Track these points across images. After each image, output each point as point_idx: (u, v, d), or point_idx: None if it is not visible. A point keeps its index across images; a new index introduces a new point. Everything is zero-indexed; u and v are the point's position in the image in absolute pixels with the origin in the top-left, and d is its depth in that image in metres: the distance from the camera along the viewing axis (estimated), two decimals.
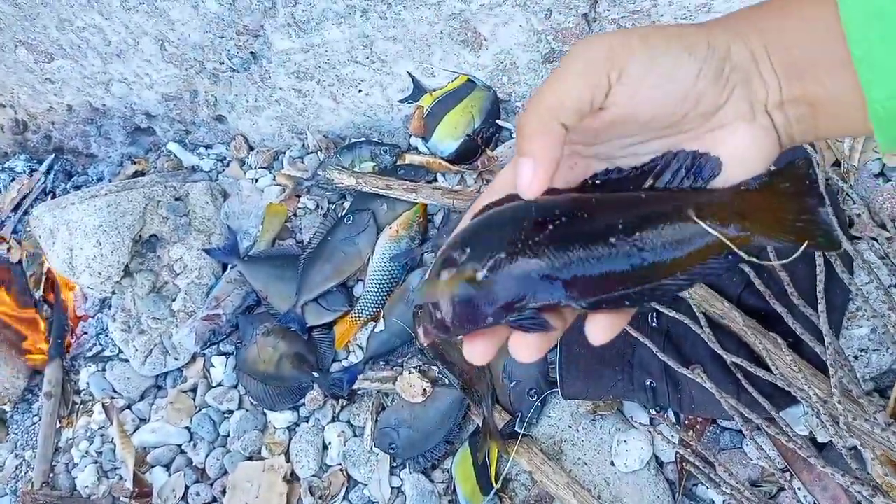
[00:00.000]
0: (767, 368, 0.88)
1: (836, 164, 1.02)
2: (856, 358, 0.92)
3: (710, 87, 0.36)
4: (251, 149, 1.48)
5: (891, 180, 1.00)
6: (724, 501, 0.91)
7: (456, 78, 1.24)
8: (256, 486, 1.16)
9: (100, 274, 1.27)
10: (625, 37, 0.36)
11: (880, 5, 0.34)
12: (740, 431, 0.92)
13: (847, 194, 0.98)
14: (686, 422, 0.98)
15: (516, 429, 1.00)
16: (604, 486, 0.97)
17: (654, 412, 0.98)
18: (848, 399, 0.81)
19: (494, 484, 0.98)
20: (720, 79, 0.36)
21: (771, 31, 0.37)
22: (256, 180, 1.44)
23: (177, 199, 1.36)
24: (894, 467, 0.81)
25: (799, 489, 0.87)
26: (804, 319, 0.87)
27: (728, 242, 0.36)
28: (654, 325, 0.97)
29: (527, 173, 0.36)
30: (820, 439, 0.89)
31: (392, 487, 1.09)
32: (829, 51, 0.35)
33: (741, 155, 0.38)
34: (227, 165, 1.49)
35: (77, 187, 1.55)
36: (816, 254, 0.88)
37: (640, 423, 0.98)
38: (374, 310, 1.21)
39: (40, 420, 1.33)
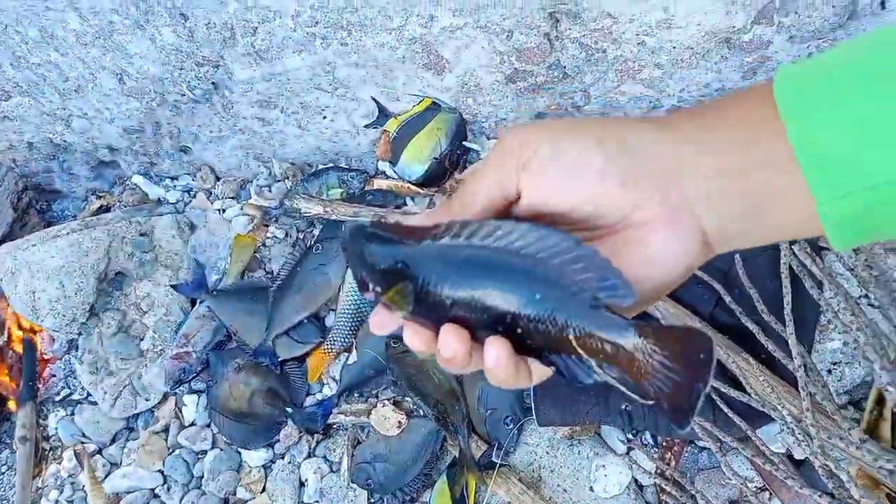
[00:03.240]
0: (742, 387, 0.86)
1: None
2: (829, 372, 0.91)
3: (620, 184, 0.35)
4: (217, 179, 1.46)
5: None
6: None
7: (420, 101, 1.22)
8: None
9: (64, 316, 1.24)
10: (539, 127, 0.36)
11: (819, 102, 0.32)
12: None
13: None
14: (664, 443, 0.96)
15: (493, 458, 0.98)
16: None
17: (631, 436, 0.96)
18: (822, 414, 0.80)
19: None
20: (633, 174, 0.35)
21: (706, 128, 0.36)
22: (224, 211, 1.41)
23: (142, 235, 1.33)
24: (871, 482, 0.80)
25: None
26: (776, 335, 0.86)
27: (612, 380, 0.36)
28: None
29: None
30: (797, 456, 0.87)
31: None
32: (772, 149, 0.33)
33: (661, 258, 0.36)
34: (194, 197, 1.47)
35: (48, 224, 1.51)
36: (783, 270, 0.87)
37: (617, 451, 0.96)
38: (347, 340, 1.19)
39: (9, 469, 1.29)
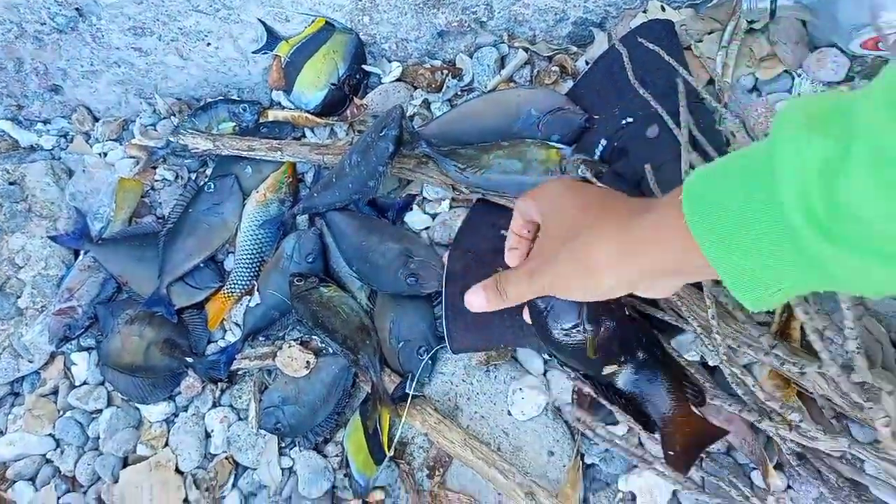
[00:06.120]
0: (655, 303, 0.84)
1: (710, 82, 1.00)
2: None
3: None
4: (96, 120, 1.33)
5: (763, 94, 0.98)
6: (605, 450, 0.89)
7: (313, 22, 1.13)
8: (148, 488, 1.05)
9: None
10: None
11: (719, 226, 0.42)
12: None
13: (722, 114, 0.95)
14: None
15: (407, 390, 0.93)
16: (503, 437, 0.92)
17: (546, 356, 0.94)
18: (732, 320, 0.78)
19: (387, 451, 0.92)
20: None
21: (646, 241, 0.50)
22: (105, 154, 1.30)
23: (11, 184, 1.21)
24: (783, 381, 0.80)
25: None
26: None
27: None
28: None
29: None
30: (711, 363, 0.86)
31: (282, 469, 1.01)
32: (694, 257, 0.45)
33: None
34: (71, 141, 1.34)
35: None
36: (683, 171, 0.84)
37: (534, 373, 0.93)
38: (248, 283, 1.11)
39: None
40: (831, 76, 0.94)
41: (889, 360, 0.71)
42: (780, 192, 0.37)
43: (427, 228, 1.05)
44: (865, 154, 0.32)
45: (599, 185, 0.88)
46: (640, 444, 0.86)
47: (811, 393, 0.75)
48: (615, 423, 0.88)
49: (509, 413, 0.93)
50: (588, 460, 0.89)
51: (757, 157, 0.40)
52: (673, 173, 0.85)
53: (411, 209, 1.07)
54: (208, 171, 1.22)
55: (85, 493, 1.09)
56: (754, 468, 0.82)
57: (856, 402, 0.67)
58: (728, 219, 0.40)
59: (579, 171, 0.92)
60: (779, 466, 0.80)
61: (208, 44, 1.17)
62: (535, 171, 0.94)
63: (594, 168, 0.92)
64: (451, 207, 1.05)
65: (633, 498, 0.86)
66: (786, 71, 0.97)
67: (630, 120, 0.96)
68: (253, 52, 1.18)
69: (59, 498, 1.09)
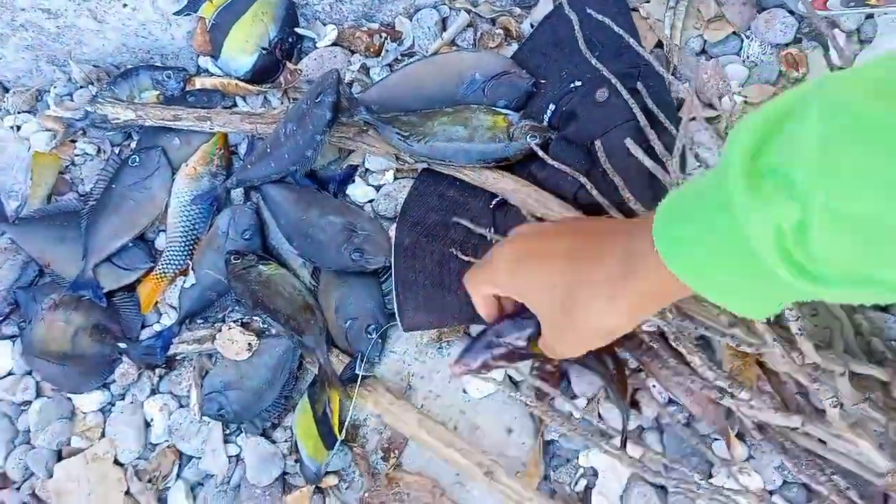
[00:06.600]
0: None
1: (659, 45, 0.97)
2: None
3: None
4: (6, 90, 1.23)
5: (712, 56, 0.96)
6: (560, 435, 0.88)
7: None
8: (86, 482, 1.00)
9: None
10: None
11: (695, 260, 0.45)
12: None
13: (672, 76, 0.92)
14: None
15: (356, 370, 0.90)
16: (459, 416, 0.90)
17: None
18: (692, 299, 0.77)
19: (338, 435, 0.89)
20: None
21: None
22: (19, 128, 1.20)
23: None
24: (741, 353, 0.79)
25: (654, 387, 0.84)
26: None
27: None
28: (493, 241, 0.89)
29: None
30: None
31: (229, 456, 0.97)
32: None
33: None
34: None
35: None
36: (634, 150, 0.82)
37: None
38: (182, 263, 1.05)
39: None
40: (780, 38, 0.92)
41: (849, 336, 0.71)
42: (756, 250, 0.39)
43: (371, 201, 1.01)
44: (820, 216, 0.35)
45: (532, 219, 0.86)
46: (600, 416, 0.86)
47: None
48: (575, 397, 0.87)
49: (465, 391, 0.91)
50: (547, 437, 0.88)
51: (719, 216, 0.41)
52: (622, 139, 0.82)
53: (353, 181, 1.02)
54: (133, 145, 1.14)
55: (18, 489, 1.04)
56: (717, 438, 0.82)
57: (805, 384, 0.67)
58: (708, 264, 0.44)
59: (527, 137, 0.89)
60: (740, 436, 0.81)
61: (124, 5, 1.08)
62: (481, 137, 0.91)
63: (542, 134, 0.89)
64: (395, 178, 1.00)
65: (595, 473, 0.85)
66: (734, 32, 0.95)
67: (578, 83, 0.93)
68: (174, 14, 1.09)
69: None
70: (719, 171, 0.40)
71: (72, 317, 1.04)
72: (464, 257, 0.88)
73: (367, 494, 0.91)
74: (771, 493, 0.81)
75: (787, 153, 0.37)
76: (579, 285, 0.54)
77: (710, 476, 0.82)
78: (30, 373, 1.07)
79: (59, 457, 1.03)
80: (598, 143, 0.84)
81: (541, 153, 0.88)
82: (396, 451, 0.91)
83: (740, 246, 0.39)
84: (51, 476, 1.01)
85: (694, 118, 0.88)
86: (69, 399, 1.05)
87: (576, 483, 0.86)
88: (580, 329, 0.56)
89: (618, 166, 0.82)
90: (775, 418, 0.69)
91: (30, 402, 1.06)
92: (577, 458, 0.87)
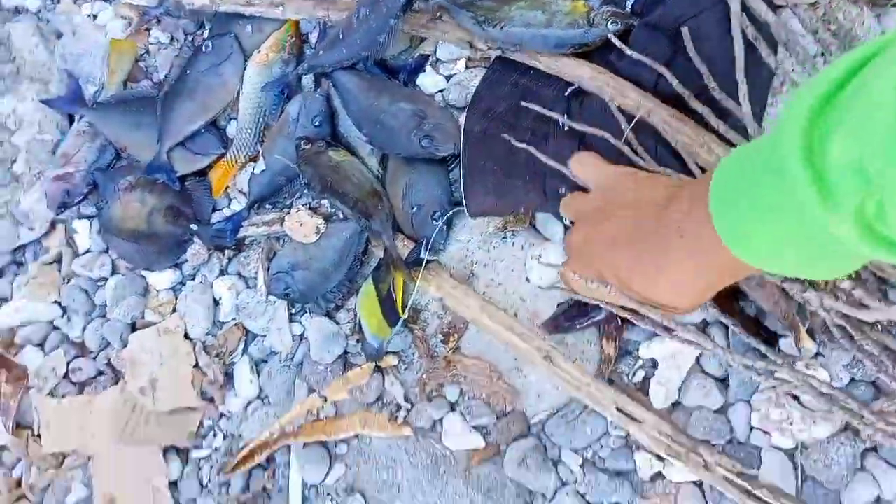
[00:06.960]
0: (687, 170, 0.80)
1: None
2: None
3: None
4: None
5: None
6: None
7: None
8: (157, 354, 1.05)
9: None
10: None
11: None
12: None
13: None
14: None
15: (421, 255, 0.91)
16: (520, 304, 0.91)
17: (568, 222, 0.91)
18: None
19: (401, 314, 0.90)
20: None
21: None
22: (95, 16, 1.22)
23: None
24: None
25: None
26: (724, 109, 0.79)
27: None
28: (566, 128, 0.88)
29: None
30: None
31: (293, 335, 1.00)
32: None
33: None
34: (58, 2, 1.26)
35: None
36: (734, 32, 0.79)
37: (553, 240, 0.91)
38: (252, 149, 1.07)
39: None
40: None
41: None
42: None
43: (442, 91, 1.00)
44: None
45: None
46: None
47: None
48: None
49: (527, 280, 0.91)
50: None
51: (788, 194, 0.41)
52: (713, 25, 0.79)
53: (424, 71, 1.01)
54: (205, 34, 1.15)
55: (95, 358, 1.09)
56: (783, 335, 0.81)
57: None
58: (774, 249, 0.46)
59: (608, 24, 0.86)
60: (810, 332, 0.79)
61: None
62: (559, 23, 0.88)
63: (624, 20, 0.86)
64: (467, 67, 0.99)
65: (655, 364, 0.85)
66: None
67: None
68: None
69: (68, 363, 1.09)
70: (776, 143, 0.41)
71: (147, 198, 1.08)
72: (536, 152, 0.86)
73: (425, 375, 0.93)
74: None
75: (858, 139, 0.35)
76: (656, 270, 0.60)
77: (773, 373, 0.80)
78: (106, 251, 1.12)
79: (133, 329, 1.08)
80: (684, 29, 0.81)
81: (618, 43, 0.85)
82: (456, 335, 0.92)
83: (815, 234, 0.40)
84: (125, 346, 1.06)
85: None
86: (143, 276, 1.09)
87: (634, 374, 0.86)
88: (650, 270, 0.61)
89: (705, 53, 0.79)
90: (876, 311, 0.67)
91: (106, 279, 1.11)
92: (638, 349, 0.87)
